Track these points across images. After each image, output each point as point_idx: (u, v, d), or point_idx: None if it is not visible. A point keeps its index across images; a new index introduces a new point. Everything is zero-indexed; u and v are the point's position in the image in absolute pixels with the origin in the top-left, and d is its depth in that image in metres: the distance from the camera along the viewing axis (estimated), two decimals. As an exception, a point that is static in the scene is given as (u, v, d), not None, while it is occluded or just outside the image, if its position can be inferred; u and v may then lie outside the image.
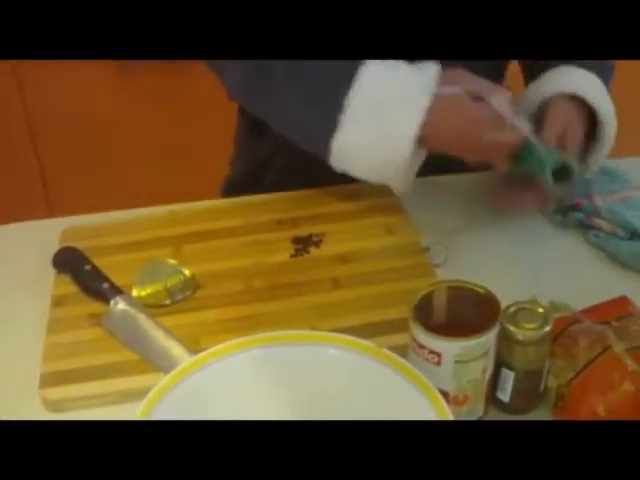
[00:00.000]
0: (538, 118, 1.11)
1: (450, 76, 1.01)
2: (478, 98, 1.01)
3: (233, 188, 1.39)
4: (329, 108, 1.01)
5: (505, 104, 1.00)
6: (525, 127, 1.02)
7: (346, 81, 1.00)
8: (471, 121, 1.01)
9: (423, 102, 0.99)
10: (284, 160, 1.30)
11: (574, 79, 1.13)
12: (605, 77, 1.15)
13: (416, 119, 0.99)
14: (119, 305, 1.03)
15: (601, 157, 1.14)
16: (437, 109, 0.99)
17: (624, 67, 1.65)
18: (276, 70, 1.03)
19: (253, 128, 1.33)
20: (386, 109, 1.01)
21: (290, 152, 1.14)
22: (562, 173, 1.06)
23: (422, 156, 1.05)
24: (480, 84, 1.02)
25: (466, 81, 1.02)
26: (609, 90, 1.16)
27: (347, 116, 1.01)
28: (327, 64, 1.01)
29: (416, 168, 1.06)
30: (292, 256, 1.11)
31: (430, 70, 1.01)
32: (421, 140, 1.01)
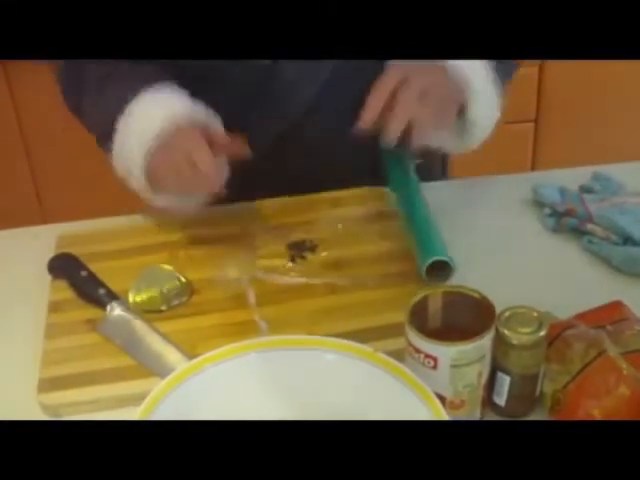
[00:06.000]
0: None
1: None
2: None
3: None
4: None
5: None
6: None
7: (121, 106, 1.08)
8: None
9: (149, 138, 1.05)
10: None
11: None
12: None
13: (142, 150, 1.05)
14: (115, 311, 1.03)
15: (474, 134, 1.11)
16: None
17: (618, 71, 1.65)
18: (88, 80, 1.15)
19: None
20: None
21: None
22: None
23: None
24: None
25: None
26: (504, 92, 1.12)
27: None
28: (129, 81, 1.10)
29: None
30: (287, 262, 1.12)
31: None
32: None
